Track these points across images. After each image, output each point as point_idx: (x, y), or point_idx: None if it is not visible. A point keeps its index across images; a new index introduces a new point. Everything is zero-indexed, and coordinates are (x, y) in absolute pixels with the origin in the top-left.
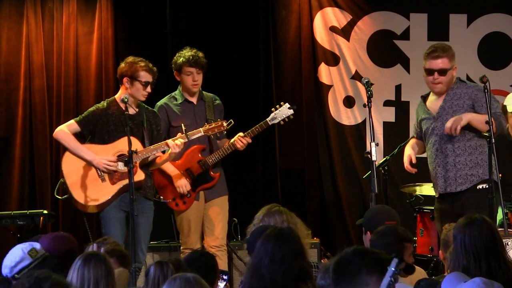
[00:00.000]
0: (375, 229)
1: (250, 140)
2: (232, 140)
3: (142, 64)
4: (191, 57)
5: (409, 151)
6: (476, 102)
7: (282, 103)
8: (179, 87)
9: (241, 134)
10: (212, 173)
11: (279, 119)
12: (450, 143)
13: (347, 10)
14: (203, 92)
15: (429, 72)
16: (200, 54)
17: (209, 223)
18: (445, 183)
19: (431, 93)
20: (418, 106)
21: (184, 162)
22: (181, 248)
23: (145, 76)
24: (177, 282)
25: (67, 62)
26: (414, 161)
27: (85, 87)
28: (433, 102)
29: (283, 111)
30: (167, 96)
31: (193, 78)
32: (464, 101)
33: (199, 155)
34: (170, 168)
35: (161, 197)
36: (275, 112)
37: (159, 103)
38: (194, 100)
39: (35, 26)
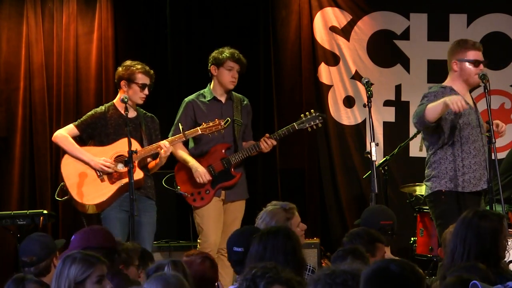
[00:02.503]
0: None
1: (275, 142)
2: (258, 142)
3: (139, 66)
4: (235, 54)
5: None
6: None
7: (312, 110)
8: (209, 85)
9: (267, 135)
10: (233, 171)
11: (307, 125)
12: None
13: (347, 10)
14: (233, 92)
15: (477, 63)
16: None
17: (225, 225)
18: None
19: (452, 84)
20: (443, 92)
21: (207, 159)
22: (198, 248)
23: (142, 79)
24: (158, 281)
25: (67, 62)
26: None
27: (85, 87)
28: (467, 96)
29: (312, 118)
30: (195, 93)
31: (233, 75)
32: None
33: (223, 153)
34: (190, 161)
35: (178, 187)
36: (304, 118)
37: (187, 99)
38: (222, 99)
39: (35, 26)
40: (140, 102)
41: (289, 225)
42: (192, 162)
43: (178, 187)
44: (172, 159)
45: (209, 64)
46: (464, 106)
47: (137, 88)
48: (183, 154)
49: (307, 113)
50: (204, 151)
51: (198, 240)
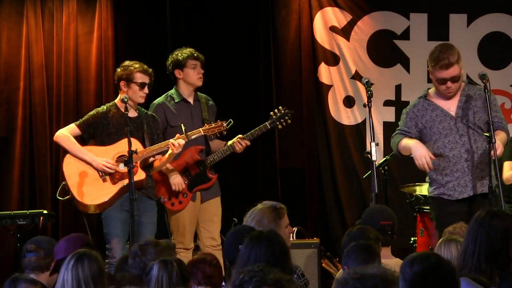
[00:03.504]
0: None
1: (249, 143)
2: (230, 142)
3: (137, 66)
4: (193, 51)
5: (425, 150)
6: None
7: (280, 107)
8: (175, 87)
9: (240, 136)
10: (209, 174)
11: (277, 123)
12: (476, 143)
13: (347, 10)
14: (198, 93)
15: (442, 81)
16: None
17: (205, 224)
18: (478, 183)
19: (433, 91)
20: (416, 105)
21: (182, 162)
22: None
23: (140, 78)
24: None
25: (67, 62)
26: (433, 157)
27: (85, 87)
28: (445, 102)
29: (282, 115)
30: (163, 96)
31: (199, 71)
32: (481, 102)
33: (197, 156)
34: (166, 166)
35: (162, 196)
36: (274, 117)
37: (156, 102)
38: (191, 100)
39: (35, 26)
40: (141, 101)
41: (278, 225)
42: (169, 169)
43: (162, 196)
44: None
45: (171, 70)
46: (429, 166)
47: (136, 87)
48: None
49: (276, 110)
50: (178, 154)
51: (173, 239)
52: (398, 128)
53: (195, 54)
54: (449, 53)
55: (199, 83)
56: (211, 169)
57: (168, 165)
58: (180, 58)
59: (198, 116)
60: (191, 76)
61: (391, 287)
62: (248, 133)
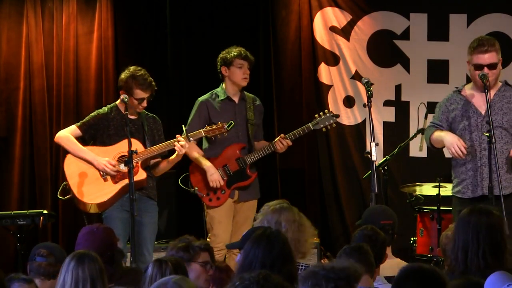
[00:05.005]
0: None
1: (290, 143)
2: (273, 142)
3: (139, 82)
4: (242, 51)
5: (456, 137)
6: None
7: (326, 110)
8: (222, 84)
9: (282, 135)
10: (249, 172)
11: (321, 125)
12: (499, 144)
13: (347, 10)
14: (245, 92)
15: (478, 67)
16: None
17: (237, 225)
18: (491, 184)
19: (469, 87)
20: (449, 99)
21: (222, 159)
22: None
23: (139, 94)
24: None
25: (67, 62)
26: (465, 145)
27: (85, 87)
28: (477, 98)
29: (327, 118)
30: (209, 93)
31: (244, 71)
32: None
33: (238, 153)
34: (205, 163)
35: (196, 188)
36: (318, 119)
37: (200, 99)
38: (236, 99)
39: (35, 26)
40: (139, 111)
41: (295, 218)
42: (207, 165)
43: (196, 188)
44: (186, 159)
45: (219, 66)
46: (462, 153)
47: (135, 102)
48: (197, 155)
49: (321, 113)
50: (219, 151)
51: (208, 239)
52: (431, 121)
53: (244, 54)
54: (489, 41)
55: (244, 83)
56: (251, 167)
57: (208, 161)
58: (228, 56)
59: (242, 115)
60: (236, 75)
61: (358, 279)
62: (290, 133)
